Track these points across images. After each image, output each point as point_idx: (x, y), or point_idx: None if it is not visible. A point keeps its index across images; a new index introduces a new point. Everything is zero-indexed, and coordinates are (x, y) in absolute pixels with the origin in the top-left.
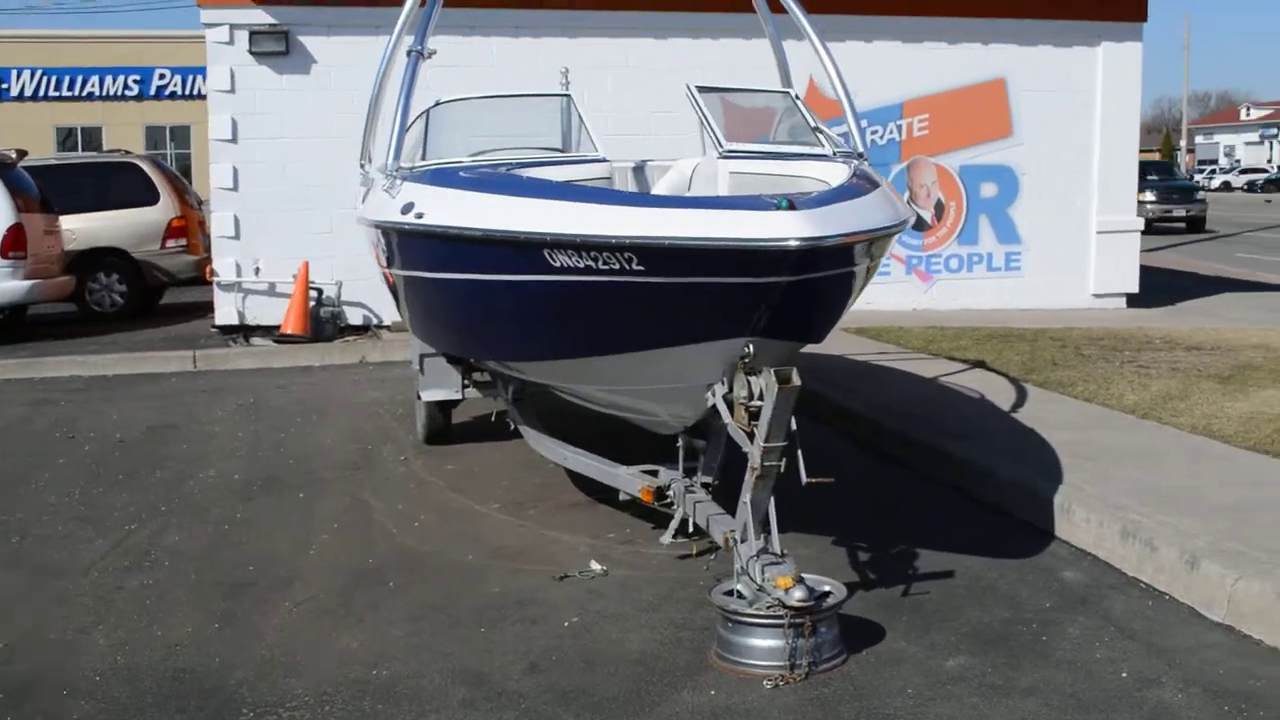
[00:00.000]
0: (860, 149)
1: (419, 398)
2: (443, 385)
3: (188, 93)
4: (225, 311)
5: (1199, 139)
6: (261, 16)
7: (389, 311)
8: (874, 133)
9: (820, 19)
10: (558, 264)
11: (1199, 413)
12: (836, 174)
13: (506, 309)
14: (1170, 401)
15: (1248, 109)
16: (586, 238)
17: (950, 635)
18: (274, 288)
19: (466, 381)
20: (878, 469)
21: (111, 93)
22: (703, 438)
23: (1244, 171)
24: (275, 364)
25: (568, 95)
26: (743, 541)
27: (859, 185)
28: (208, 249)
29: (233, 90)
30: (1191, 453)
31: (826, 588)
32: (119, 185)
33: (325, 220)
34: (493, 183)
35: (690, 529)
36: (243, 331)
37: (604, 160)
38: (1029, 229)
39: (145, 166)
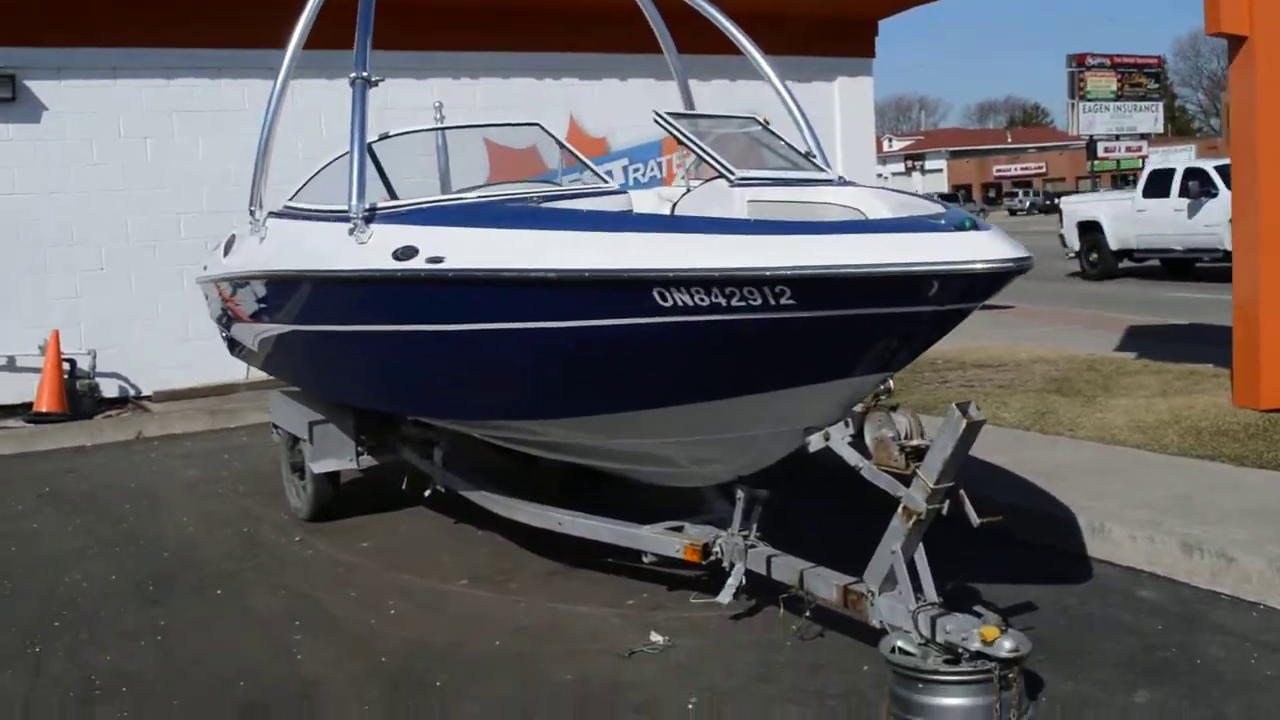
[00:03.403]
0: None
1: (301, 471)
2: (336, 455)
3: None
4: None
5: None
6: None
7: (148, 381)
8: (636, 170)
9: (576, 57)
10: (669, 304)
11: (1087, 425)
12: (868, 199)
13: (573, 360)
14: (1045, 417)
15: (890, 140)
16: (731, 272)
17: (1107, 670)
18: (14, 362)
19: (360, 449)
20: (838, 516)
21: None
22: (765, 488)
23: None
24: (40, 447)
25: (537, 124)
26: (882, 594)
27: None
28: None
29: None
30: (1138, 464)
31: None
32: None
33: (69, 284)
34: (551, 218)
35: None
36: None
37: (623, 191)
38: None
39: None
